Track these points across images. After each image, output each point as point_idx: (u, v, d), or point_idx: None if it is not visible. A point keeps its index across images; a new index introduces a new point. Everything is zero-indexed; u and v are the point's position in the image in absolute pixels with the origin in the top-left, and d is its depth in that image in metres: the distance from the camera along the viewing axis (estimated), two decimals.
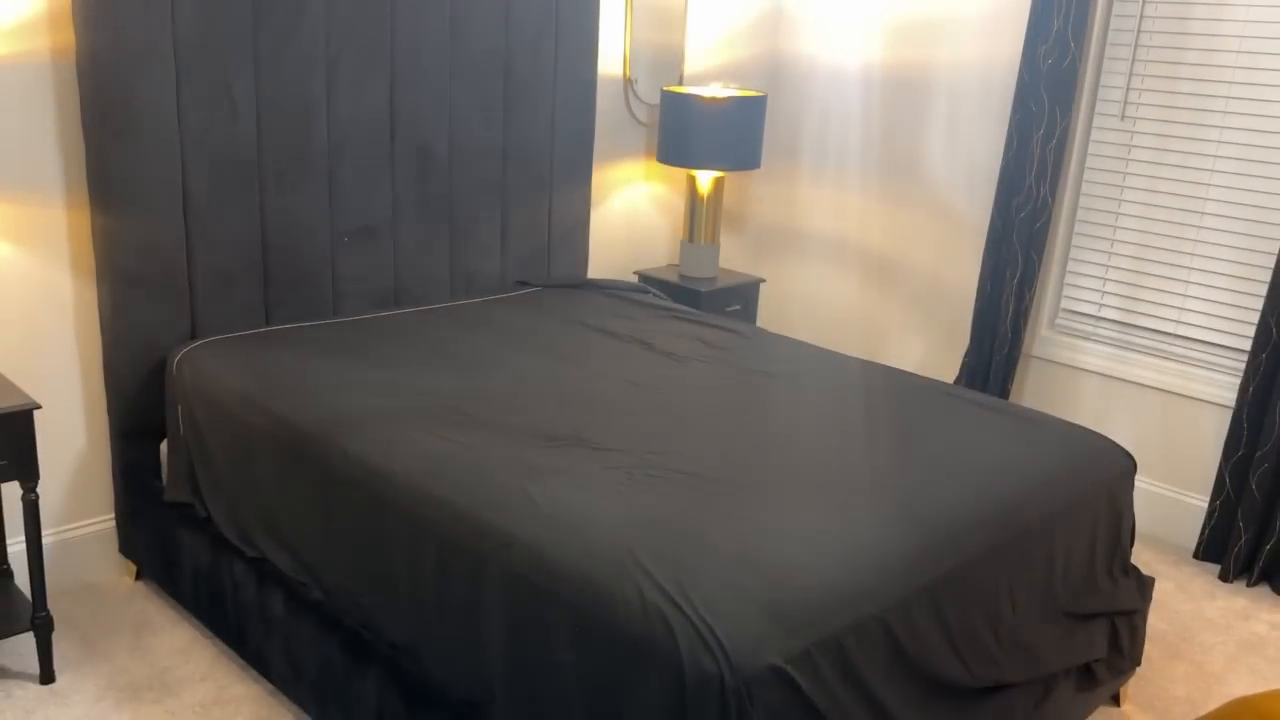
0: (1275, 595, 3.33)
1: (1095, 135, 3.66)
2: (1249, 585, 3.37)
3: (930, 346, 4.14)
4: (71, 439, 2.88)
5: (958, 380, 3.92)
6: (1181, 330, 3.56)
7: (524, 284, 3.57)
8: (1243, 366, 3.37)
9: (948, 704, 2.04)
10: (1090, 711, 2.61)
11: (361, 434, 2.31)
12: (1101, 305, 3.73)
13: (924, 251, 4.10)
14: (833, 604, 1.81)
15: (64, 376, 2.82)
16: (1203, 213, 3.46)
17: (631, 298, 3.51)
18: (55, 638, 2.64)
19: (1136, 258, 3.61)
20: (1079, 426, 2.63)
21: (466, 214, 3.39)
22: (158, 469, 2.91)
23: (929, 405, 2.69)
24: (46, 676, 2.57)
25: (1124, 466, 2.51)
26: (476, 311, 3.25)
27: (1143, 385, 3.62)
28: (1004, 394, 3.81)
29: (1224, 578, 3.38)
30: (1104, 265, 3.70)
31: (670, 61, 4.04)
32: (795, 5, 4.30)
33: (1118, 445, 2.57)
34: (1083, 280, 3.76)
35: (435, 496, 2.08)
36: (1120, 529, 2.54)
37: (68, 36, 2.62)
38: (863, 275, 4.29)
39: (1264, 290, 3.32)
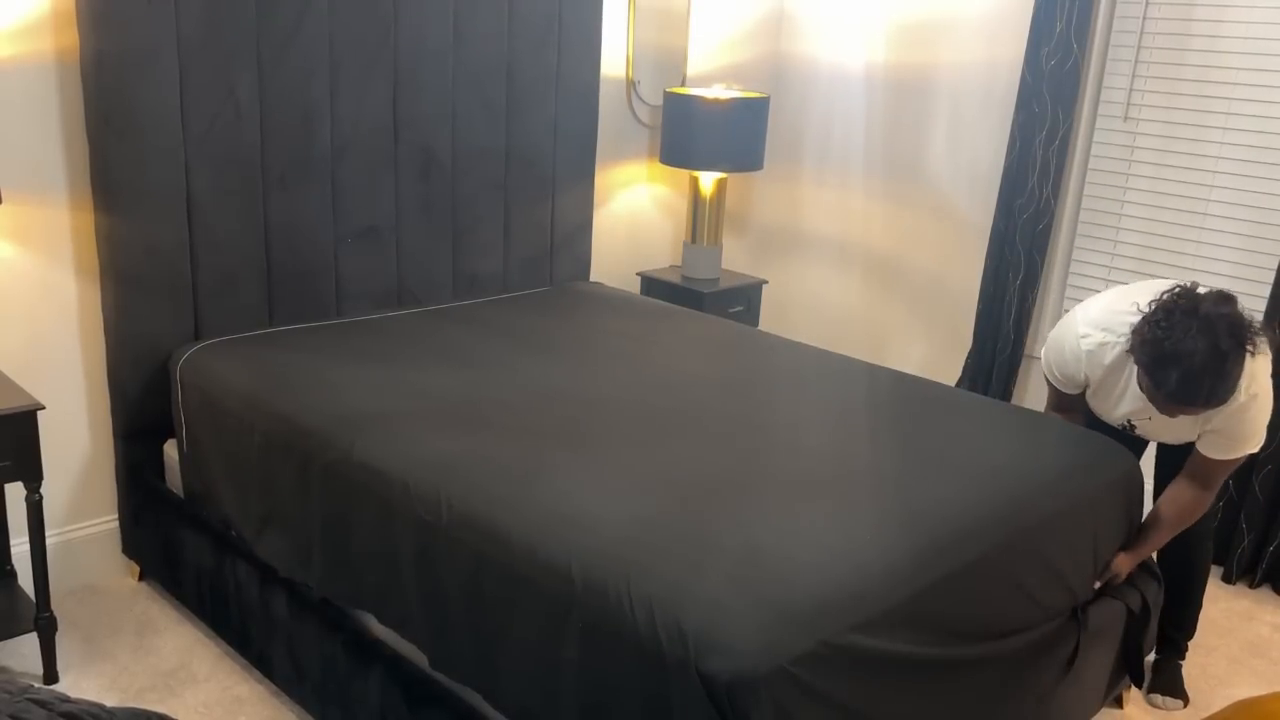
0: (1278, 597, 3.32)
1: (1098, 137, 3.66)
2: (1252, 587, 3.36)
3: (932, 348, 4.14)
4: (75, 440, 2.88)
5: (960, 381, 3.92)
6: None
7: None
8: None
9: (953, 698, 2.04)
10: (1094, 712, 2.61)
11: (364, 434, 2.31)
12: None
13: (926, 253, 4.10)
14: (838, 604, 1.80)
15: (67, 377, 2.83)
16: (1205, 214, 3.45)
17: (636, 300, 3.51)
18: (58, 638, 2.64)
19: (1139, 259, 3.61)
20: (1081, 428, 2.62)
21: (469, 215, 3.39)
22: (161, 470, 2.91)
23: (931, 407, 2.69)
24: (50, 677, 2.57)
25: (1127, 466, 2.51)
26: (479, 312, 3.25)
27: None
28: (1006, 395, 3.81)
29: (1227, 579, 3.38)
30: (1107, 267, 3.70)
31: (673, 63, 4.05)
32: (798, 7, 4.30)
33: (1120, 445, 2.57)
34: (1085, 282, 3.76)
35: (437, 496, 2.08)
36: (1130, 527, 2.54)
37: (72, 38, 2.63)
38: (865, 277, 4.29)
39: (1267, 292, 3.31)
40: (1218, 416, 2.38)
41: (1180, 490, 2.53)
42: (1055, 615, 2.31)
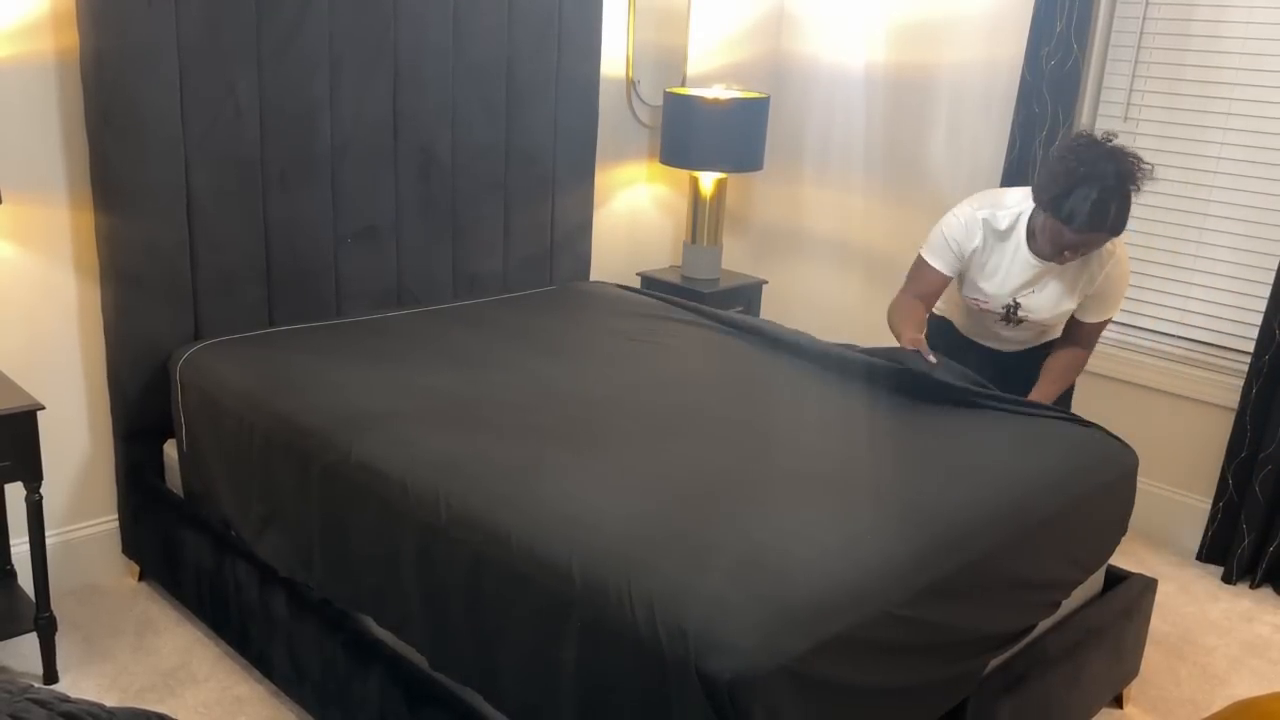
0: (1278, 597, 3.32)
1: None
2: (1252, 587, 3.36)
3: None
4: (75, 440, 2.88)
5: None
6: (1184, 331, 3.55)
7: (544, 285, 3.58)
8: (1246, 368, 3.36)
9: (949, 689, 2.04)
10: (1094, 712, 2.61)
11: (365, 434, 2.31)
12: None
13: None
14: (839, 602, 1.80)
15: (67, 377, 2.83)
16: (1206, 214, 3.45)
17: (636, 299, 3.50)
18: (58, 638, 2.64)
19: (1139, 259, 3.60)
20: (1083, 424, 2.61)
21: (469, 215, 3.39)
22: (161, 470, 2.91)
23: (932, 406, 2.68)
24: (50, 677, 2.57)
25: (1124, 467, 2.51)
26: (479, 312, 3.25)
27: (1145, 387, 3.62)
28: None
29: (1227, 579, 3.38)
30: None
31: (673, 63, 4.04)
32: (798, 6, 4.30)
33: (1121, 441, 2.56)
34: None
35: (438, 496, 2.08)
36: (1122, 525, 2.54)
37: (72, 37, 2.63)
38: (865, 276, 4.28)
39: (1267, 291, 3.31)
40: (1100, 279, 2.74)
41: (1066, 354, 2.89)
42: (1047, 610, 2.31)
